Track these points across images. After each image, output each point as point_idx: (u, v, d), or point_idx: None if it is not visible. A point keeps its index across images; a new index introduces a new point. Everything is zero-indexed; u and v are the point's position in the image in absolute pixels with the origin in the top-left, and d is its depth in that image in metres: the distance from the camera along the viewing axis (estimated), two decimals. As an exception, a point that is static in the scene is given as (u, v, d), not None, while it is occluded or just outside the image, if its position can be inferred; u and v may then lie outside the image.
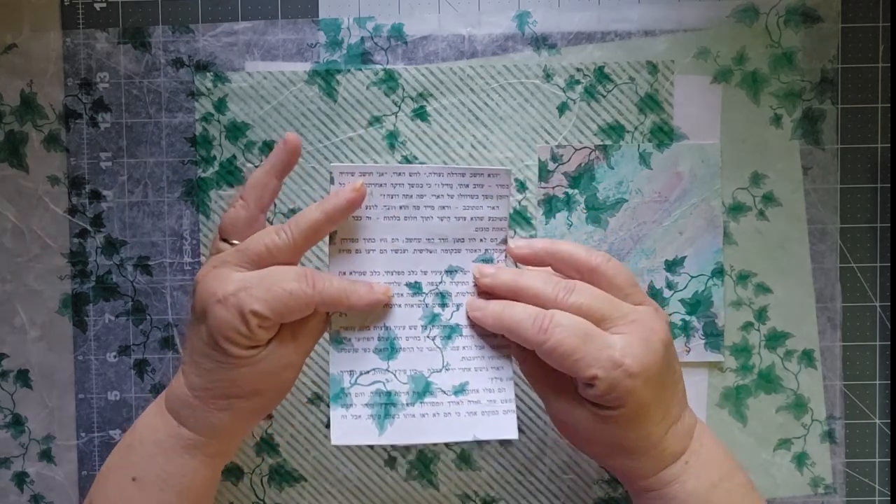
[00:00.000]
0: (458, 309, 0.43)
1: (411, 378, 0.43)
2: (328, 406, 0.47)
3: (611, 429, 0.40)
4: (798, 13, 0.50)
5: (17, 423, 0.51)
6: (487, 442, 0.46)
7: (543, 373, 0.42)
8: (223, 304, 0.38)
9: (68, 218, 0.51)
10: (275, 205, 0.50)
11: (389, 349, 0.43)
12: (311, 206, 0.40)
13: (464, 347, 0.43)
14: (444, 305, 0.43)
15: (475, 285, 0.43)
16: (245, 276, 0.39)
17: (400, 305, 0.43)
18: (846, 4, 0.50)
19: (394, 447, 0.50)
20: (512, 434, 0.42)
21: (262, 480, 0.50)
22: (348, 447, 0.49)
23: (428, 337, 0.43)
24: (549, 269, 0.43)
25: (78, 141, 0.50)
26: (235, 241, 0.41)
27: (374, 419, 0.42)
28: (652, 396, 0.40)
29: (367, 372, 0.42)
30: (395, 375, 0.43)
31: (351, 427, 0.42)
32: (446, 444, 0.50)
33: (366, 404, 0.42)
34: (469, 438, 0.42)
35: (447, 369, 0.43)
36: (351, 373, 0.42)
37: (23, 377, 0.51)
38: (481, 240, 0.44)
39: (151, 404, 0.43)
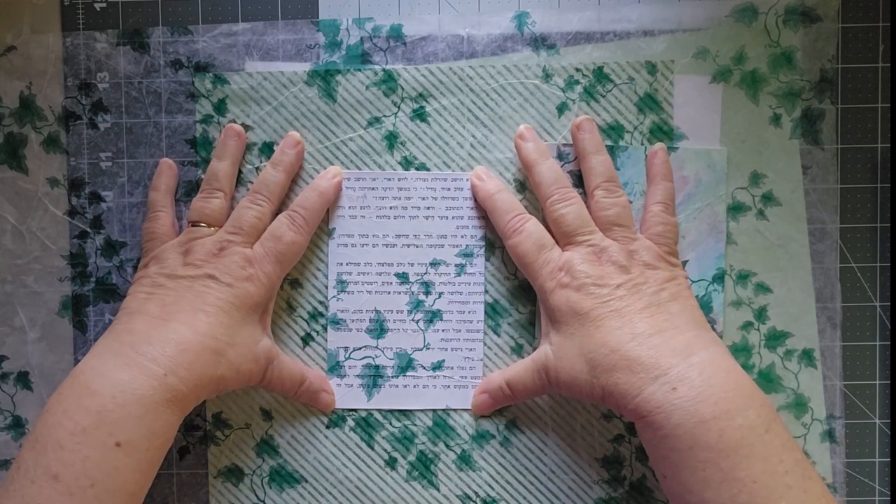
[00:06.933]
0: (440, 297, 0.49)
1: (396, 355, 0.50)
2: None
3: (576, 342, 0.42)
4: (797, 13, 0.50)
5: (17, 425, 0.51)
6: (455, 411, 0.50)
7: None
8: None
9: (68, 219, 0.51)
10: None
11: (379, 329, 0.50)
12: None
13: (443, 330, 0.49)
14: (427, 293, 0.49)
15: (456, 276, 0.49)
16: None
17: (389, 293, 0.49)
18: (846, 4, 0.50)
19: (394, 447, 0.50)
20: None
21: (262, 481, 0.50)
22: (348, 447, 0.50)
23: (412, 320, 0.50)
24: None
25: (77, 142, 0.50)
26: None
27: (364, 388, 0.50)
28: (602, 306, 0.41)
29: (360, 348, 0.50)
30: (382, 352, 0.50)
31: (344, 394, 0.50)
32: (446, 445, 0.50)
33: (357, 375, 0.50)
34: (442, 407, 0.50)
35: (427, 348, 0.50)
36: (346, 349, 0.50)
37: (23, 379, 0.51)
38: (462, 236, 0.49)
39: (100, 359, 0.41)
